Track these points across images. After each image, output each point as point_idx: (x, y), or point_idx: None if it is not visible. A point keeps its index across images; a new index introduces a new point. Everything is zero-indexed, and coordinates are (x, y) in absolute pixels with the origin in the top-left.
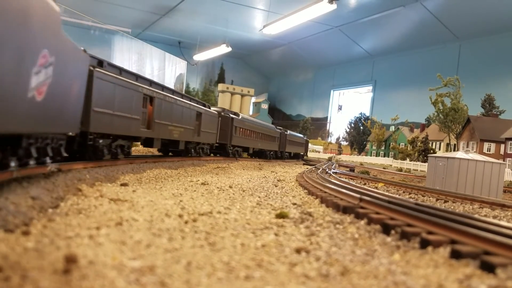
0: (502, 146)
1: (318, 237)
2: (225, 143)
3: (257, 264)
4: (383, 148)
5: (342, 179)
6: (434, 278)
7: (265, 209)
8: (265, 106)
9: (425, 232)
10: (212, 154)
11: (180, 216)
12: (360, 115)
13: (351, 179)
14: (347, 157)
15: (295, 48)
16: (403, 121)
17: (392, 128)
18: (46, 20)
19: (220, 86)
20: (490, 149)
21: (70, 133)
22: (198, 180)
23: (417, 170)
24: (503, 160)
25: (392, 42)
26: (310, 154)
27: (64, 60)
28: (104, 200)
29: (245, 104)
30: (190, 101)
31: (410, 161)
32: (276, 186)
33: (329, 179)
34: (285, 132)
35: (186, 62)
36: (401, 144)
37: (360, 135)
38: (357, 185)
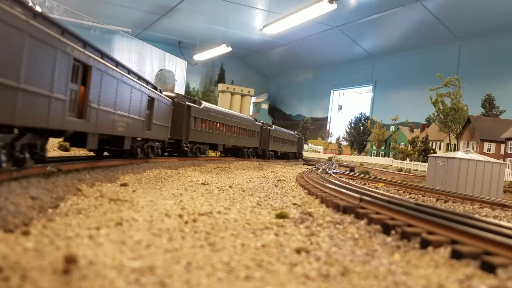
0: (502, 146)
1: (318, 237)
2: (179, 139)
3: (257, 264)
4: (383, 148)
5: (342, 179)
6: (435, 278)
7: (265, 209)
8: (265, 106)
9: (425, 232)
10: (167, 153)
11: (180, 216)
12: (360, 115)
13: (351, 179)
14: (347, 157)
15: (295, 48)
16: (403, 121)
17: (392, 128)
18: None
19: (220, 86)
20: (490, 149)
21: None
22: (198, 180)
23: (417, 170)
24: (503, 160)
25: (392, 42)
26: (310, 154)
27: None
28: (104, 200)
29: (245, 104)
30: (139, 80)
31: (410, 161)
32: (276, 186)
33: (329, 179)
34: (269, 127)
35: (186, 62)
36: (401, 144)
37: (360, 135)
38: (357, 185)
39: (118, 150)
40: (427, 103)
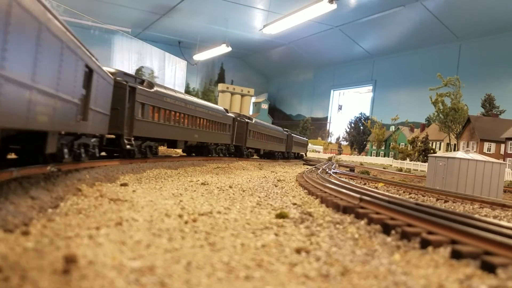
0: (502, 146)
1: (318, 237)
2: (119, 134)
3: (257, 264)
4: (383, 148)
5: (342, 179)
6: (435, 278)
7: (265, 209)
8: (265, 106)
9: (425, 232)
10: (104, 153)
11: (180, 216)
12: (360, 115)
13: (351, 179)
14: (347, 157)
15: (295, 48)
16: (403, 121)
17: (392, 128)
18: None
19: (220, 86)
20: (490, 149)
21: None
22: (198, 180)
23: (417, 170)
24: (503, 160)
25: (392, 42)
26: (310, 154)
27: None
28: (104, 200)
29: (245, 104)
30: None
31: (410, 161)
32: (276, 186)
33: (329, 179)
34: (247, 120)
35: (186, 62)
36: (401, 144)
37: (360, 135)
38: (357, 185)
39: (32, 152)
40: (427, 103)
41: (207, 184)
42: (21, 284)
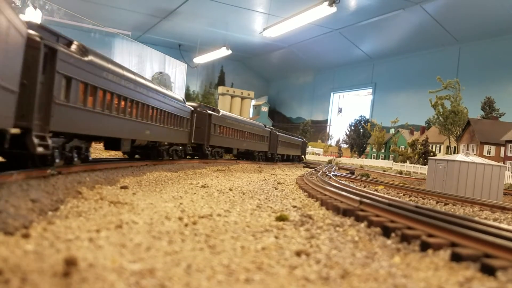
0: (502, 148)
1: (318, 239)
2: (27, 128)
3: (257, 267)
4: (383, 150)
5: (342, 181)
6: (435, 281)
7: (265, 212)
8: (265, 109)
9: (425, 235)
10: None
11: (180, 219)
12: (360, 118)
13: (351, 181)
14: (347, 160)
15: (295, 51)
16: (403, 123)
17: (392, 131)
18: None
19: (220, 89)
20: (490, 151)
21: None
22: (198, 183)
23: (417, 172)
24: (503, 163)
25: (392, 45)
26: (310, 157)
27: None
28: (104, 203)
29: (245, 107)
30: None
31: (410, 163)
32: (276, 189)
33: (329, 181)
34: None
35: (186, 65)
36: (401, 146)
37: (360, 137)
38: (357, 187)
39: None
40: (427, 105)
41: (207, 186)
42: (22, 287)
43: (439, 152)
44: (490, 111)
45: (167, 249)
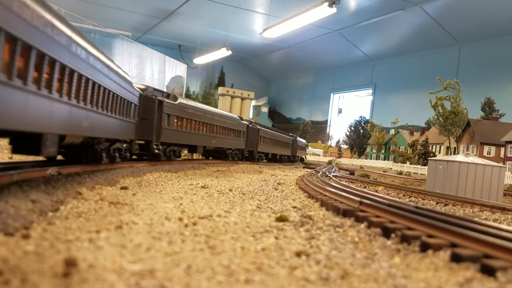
0: (502, 149)
1: (318, 240)
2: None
3: (257, 267)
4: (383, 151)
5: (342, 182)
6: (435, 282)
7: (265, 213)
8: (265, 110)
9: (425, 235)
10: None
11: (180, 219)
12: (360, 119)
13: (351, 182)
14: (347, 161)
15: (295, 51)
16: (403, 124)
17: (392, 132)
18: None
19: (220, 90)
20: (490, 152)
21: None
22: (198, 183)
23: (417, 173)
24: (503, 163)
25: (392, 45)
26: (310, 158)
27: None
28: (104, 204)
29: (245, 108)
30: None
31: (410, 164)
32: (276, 189)
33: (329, 182)
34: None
35: (186, 65)
36: (401, 147)
37: (360, 138)
38: (357, 188)
39: None
40: (427, 106)
41: (207, 187)
42: (22, 287)
43: (439, 152)
44: (490, 112)
45: (167, 249)
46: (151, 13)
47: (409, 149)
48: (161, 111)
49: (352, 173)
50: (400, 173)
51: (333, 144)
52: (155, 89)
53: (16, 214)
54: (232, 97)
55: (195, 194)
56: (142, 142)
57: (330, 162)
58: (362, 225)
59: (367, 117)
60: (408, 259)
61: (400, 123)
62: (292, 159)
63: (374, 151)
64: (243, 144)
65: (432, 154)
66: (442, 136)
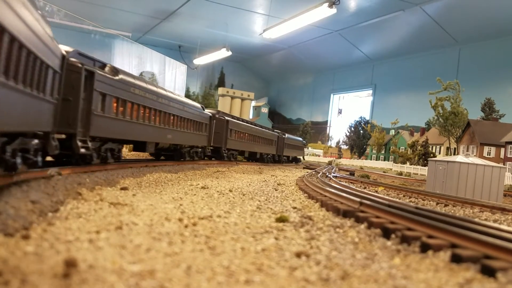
0: (502, 150)
1: (318, 241)
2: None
3: (257, 268)
4: (383, 152)
5: (342, 183)
6: (435, 282)
7: (265, 213)
8: (265, 110)
9: (425, 236)
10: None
11: (180, 220)
12: (360, 119)
13: (351, 183)
14: (347, 161)
15: (295, 52)
16: (403, 125)
17: (392, 132)
18: None
19: (220, 90)
20: (490, 153)
21: None
22: (198, 184)
23: (417, 174)
24: (503, 164)
25: (391, 46)
26: (310, 158)
27: None
28: (104, 204)
29: (245, 108)
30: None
31: (410, 165)
32: (276, 190)
33: (329, 183)
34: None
35: (186, 66)
36: (401, 148)
37: (360, 139)
38: (357, 189)
39: None
40: (427, 107)
41: (207, 188)
42: None
43: (439, 153)
44: (490, 112)
45: (167, 250)
46: (151, 13)
47: (409, 149)
48: (91, 89)
49: (352, 173)
50: (400, 173)
51: (333, 145)
52: (82, 54)
53: (16, 215)
54: (232, 97)
55: (195, 194)
56: (63, 136)
57: (330, 163)
58: (362, 226)
59: (367, 117)
60: (408, 259)
61: (400, 124)
62: (278, 158)
63: (374, 151)
64: (205, 140)
65: (432, 155)
66: (442, 136)
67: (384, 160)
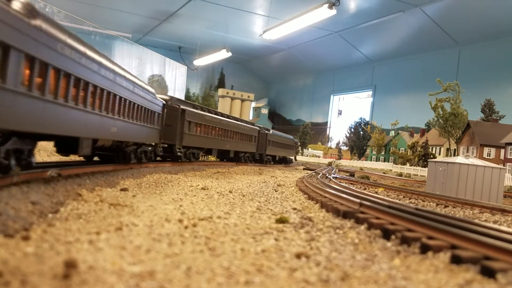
0: (502, 151)
1: (318, 242)
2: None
3: (257, 269)
4: (383, 153)
5: (342, 184)
6: (435, 283)
7: (265, 214)
8: (265, 111)
9: (425, 237)
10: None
11: (180, 221)
12: (360, 120)
13: (351, 184)
14: (347, 162)
15: (295, 53)
16: (403, 126)
17: (392, 133)
18: None
19: (220, 91)
20: (490, 154)
21: None
22: (198, 185)
23: (417, 175)
24: (503, 165)
25: (391, 47)
26: (310, 159)
27: None
28: (104, 205)
29: (245, 109)
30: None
31: (410, 166)
32: (276, 191)
33: (329, 184)
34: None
35: (186, 67)
36: (401, 149)
37: (360, 140)
38: (357, 190)
39: None
40: (426, 108)
41: (207, 189)
42: None
43: (439, 154)
44: (490, 114)
45: (167, 251)
46: (151, 14)
47: (409, 150)
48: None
49: (352, 174)
50: (400, 174)
51: (333, 146)
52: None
53: (16, 216)
54: (232, 98)
55: (195, 195)
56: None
57: (330, 164)
58: (362, 227)
59: (367, 118)
60: (408, 260)
61: (400, 125)
62: (258, 157)
63: (374, 152)
64: (157, 137)
65: (432, 156)
66: (442, 137)
67: (384, 161)
